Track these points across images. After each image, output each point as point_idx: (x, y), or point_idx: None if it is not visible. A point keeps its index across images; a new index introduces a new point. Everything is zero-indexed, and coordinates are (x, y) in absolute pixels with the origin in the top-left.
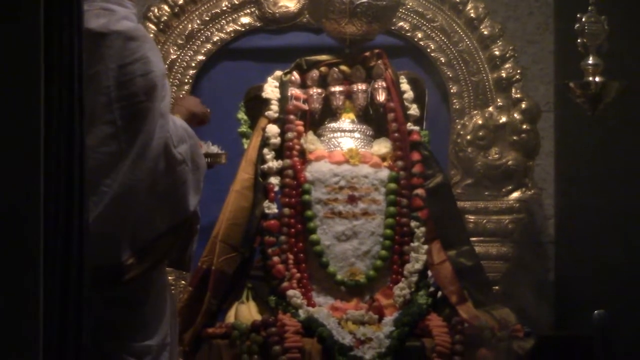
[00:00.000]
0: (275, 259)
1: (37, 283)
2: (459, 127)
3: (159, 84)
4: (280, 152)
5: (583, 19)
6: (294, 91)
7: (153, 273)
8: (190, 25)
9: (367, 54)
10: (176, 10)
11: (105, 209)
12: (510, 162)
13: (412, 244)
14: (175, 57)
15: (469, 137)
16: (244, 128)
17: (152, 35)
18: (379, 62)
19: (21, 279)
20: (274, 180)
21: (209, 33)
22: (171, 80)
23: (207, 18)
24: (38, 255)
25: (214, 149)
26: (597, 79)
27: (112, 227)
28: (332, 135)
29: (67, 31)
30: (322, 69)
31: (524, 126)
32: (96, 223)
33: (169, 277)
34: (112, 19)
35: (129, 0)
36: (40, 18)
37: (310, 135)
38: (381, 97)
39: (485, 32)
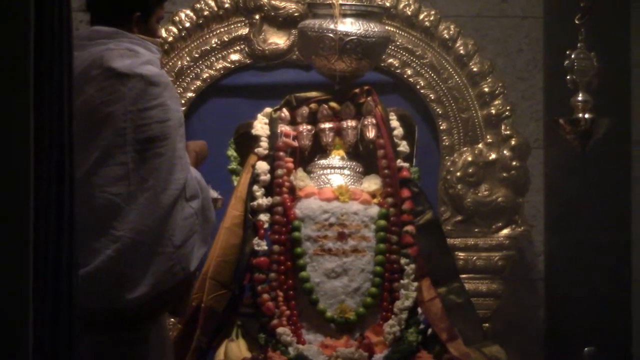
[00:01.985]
0: (265, 296)
1: (26, 319)
2: (448, 163)
3: (176, 133)
4: (270, 189)
5: (572, 56)
6: (283, 128)
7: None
8: (180, 62)
9: (357, 90)
10: (166, 47)
11: (115, 253)
12: (500, 199)
13: (402, 281)
14: None
15: (458, 173)
16: (233, 165)
17: None
18: (368, 98)
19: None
20: (264, 217)
21: (199, 70)
22: None
23: (197, 55)
24: (28, 294)
25: (213, 193)
26: (586, 115)
27: (122, 269)
28: (321, 172)
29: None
30: (312, 105)
31: (514, 163)
32: (105, 265)
33: None
34: (136, 62)
35: (155, 46)
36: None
37: (300, 172)
38: (371, 133)
39: (475, 69)
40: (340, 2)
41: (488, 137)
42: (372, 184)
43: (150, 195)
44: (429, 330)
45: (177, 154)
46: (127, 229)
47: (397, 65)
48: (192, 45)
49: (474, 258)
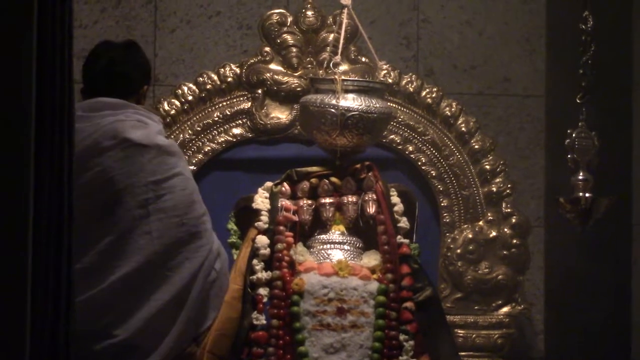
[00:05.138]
0: None
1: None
2: (449, 240)
3: (197, 199)
4: (270, 263)
5: (573, 135)
6: (284, 202)
7: None
8: (182, 135)
9: (358, 166)
10: (168, 120)
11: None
12: (500, 277)
13: (400, 358)
14: None
15: (459, 250)
16: (233, 239)
17: None
18: (369, 174)
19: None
20: (263, 291)
21: (201, 143)
22: None
23: (199, 128)
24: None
25: None
26: (587, 194)
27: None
28: (321, 246)
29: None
30: (313, 180)
31: (514, 241)
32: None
33: None
34: (150, 132)
35: (157, 117)
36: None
37: (300, 247)
38: (371, 209)
39: (476, 146)
40: (343, 77)
41: (489, 214)
42: (371, 259)
43: (174, 264)
44: None
45: (202, 220)
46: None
47: (398, 141)
48: (194, 118)
49: (474, 336)
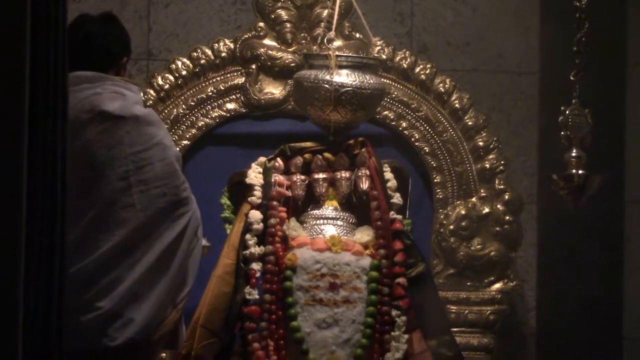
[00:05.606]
0: (256, 345)
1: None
2: (442, 216)
3: (177, 168)
4: (263, 238)
5: (567, 112)
6: (277, 177)
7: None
8: (175, 110)
9: (351, 142)
10: (162, 95)
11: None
12: (492, 253)
13: (393, 333)
14: None
15: (451, 227)
16: (226, 213)
17: None
18: (362, 150)
19: None
20: (256, 266)
21: (194, 118)
22: None
23: (193, 103)
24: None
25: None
26: (580, 171)
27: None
28: (314, 222)
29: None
30: (306, 155)
31: (507, 217)
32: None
33: None
34: (127, 103)
35: (136, 86)
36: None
37: (293, 222)
38: (364, 185)
39: (470, 123)
40: (337, 53)
41: (482, 191)
42: (364, 235)
43: (156, 234)
44: None
45: (182, 188)
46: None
47: (392, 117)
48: (188, 93)
49: (466, 312)
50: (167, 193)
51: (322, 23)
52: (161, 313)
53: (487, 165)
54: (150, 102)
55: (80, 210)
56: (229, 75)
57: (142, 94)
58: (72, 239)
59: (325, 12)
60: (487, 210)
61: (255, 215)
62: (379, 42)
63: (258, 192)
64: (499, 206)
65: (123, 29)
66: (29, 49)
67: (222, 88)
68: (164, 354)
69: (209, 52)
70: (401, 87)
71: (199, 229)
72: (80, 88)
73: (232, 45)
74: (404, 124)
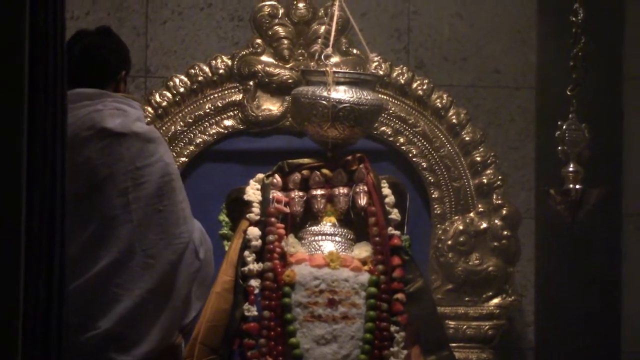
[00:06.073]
0: None
1: None
2: (439, 232)
3: (177, 186)
4: (261, 254)
5: (564, 127)
6: (275, 194)
7: None
8: (173, 127)
9: (349, 157)
10: (159, 112)
11: (123, 310)
12: (490, 268)
13: (391, 349)
14: None
15: (449, 242)
16: (225, 230)
17: None
18: (360, 166)
19: None
20: (255, 282)
21: (192, 135)
22: None
23: (190, 120)
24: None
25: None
26: (577, 186)
27: (130, 326)
28: (313, 238)
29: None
30: (304, 172)
31: (505, 232)
32: (113, 324)
33: None
34: (128, 120)
35: (137, 102)
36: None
37: (292, 238)
38: (362, 201)
39: (467, 138)
40: (334, 69)
41: (479, 206)
42: (363, 251)
43: (155, 252)
44: None
45: (180, 207)
46: (135, 287)
47: (389, 133)
48: (186, 110)
49: (464, 327)
50: (162, 210)
51: (320, 39)
52: (167, 337)
53: (485, 180)
54: (148, 119)
55: (80, 227)
56: (226, 92)
57: (141, 111)
58: (71, 255)
59: (323, 29)
60: (485, 225)
61: (254, 231)
62: (376, 58)
63: (256, 209)
64: (496, 221)
65: (121, 42)
66: (27, 64)
67: (220, 105)
68: None
69: (207, 69)
70: (398, 102)
71: (202, 251)
72: (80, 105)
73: (229, 62)
74: (401, 140)
